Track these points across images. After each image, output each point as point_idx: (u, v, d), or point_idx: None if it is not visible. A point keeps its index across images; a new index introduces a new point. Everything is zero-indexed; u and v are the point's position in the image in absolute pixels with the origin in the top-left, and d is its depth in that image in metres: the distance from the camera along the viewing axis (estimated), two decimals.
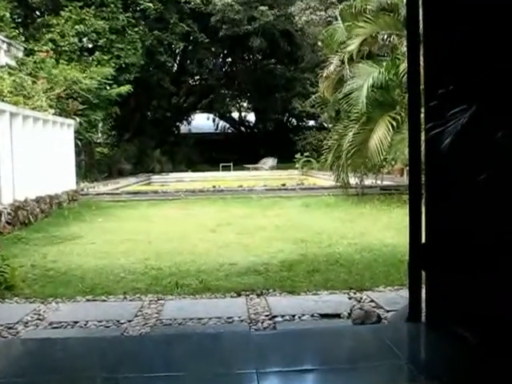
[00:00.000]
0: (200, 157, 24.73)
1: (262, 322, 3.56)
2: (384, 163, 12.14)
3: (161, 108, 24.91)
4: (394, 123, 10.01)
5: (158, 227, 8.09)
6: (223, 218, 8.90)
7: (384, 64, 10.64)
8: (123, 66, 17.65)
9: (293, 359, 2.62)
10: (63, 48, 16.54)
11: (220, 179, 19.63)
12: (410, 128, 3.14)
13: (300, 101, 24.34)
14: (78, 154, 13.05)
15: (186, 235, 7.21)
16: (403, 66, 9.60)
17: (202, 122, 32.40)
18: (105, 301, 4.17)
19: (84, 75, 14.61)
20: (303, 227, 7.66)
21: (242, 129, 32.59)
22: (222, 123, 34.10)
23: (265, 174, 21.68)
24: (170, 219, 9.05)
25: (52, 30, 16.83)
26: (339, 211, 9.43)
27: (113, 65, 16.91)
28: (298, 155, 21.43)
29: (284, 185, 15.79)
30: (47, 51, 15.00)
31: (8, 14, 14.07)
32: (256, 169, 23.00)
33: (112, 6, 17.97)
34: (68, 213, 9.61)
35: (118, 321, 3.65)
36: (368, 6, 11.42)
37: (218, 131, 33.53)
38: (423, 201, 3.06)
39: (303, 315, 3.65)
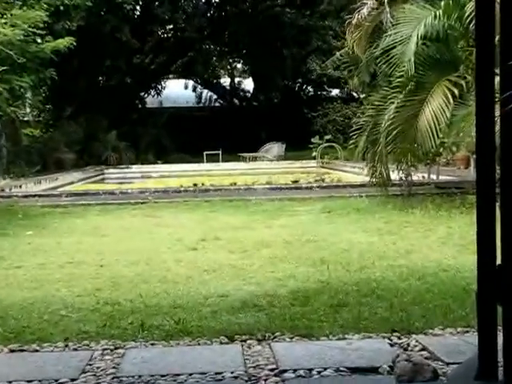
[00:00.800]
0: (175, 142, 24.83)
1: (266, 380, 3.57)
2: (441, 150, 12.20)
3: (117, 71, 25.02)
4: (456, 91, 10.05)
5: (114, 244, 8.16)
6: (209, 229, 8.92)
7: (442, 4, 10.69)
8: (61, 8, 17.51)
9: None
10: None
11: (204, 174, 19.71)
12: (479, 98, 3.13)
13: (319, 60, 24.48)
14: None
15: (154, 255, 7.25)
16: (470, 5, 9.57)
17: (177, 91, 32.47)
18: (37, 351, 4.14)
19: (2, 21, 14.35)
20: (323, 242, 7.74)
21: (236, 101, 32.72)
22: (206, 93, 34.22)
23: (268, 166, 21.84)
24: (131, 232, 9.12)
25: None
26: (375, 219, 9.45)
27: (46, 6, 16.72)
28: (315, 139, 21.57)
29: (296, 181, 15.87)
30: None
31: None
32: (256, 159, 23.13)
33: None
34: None
35: (57, 380, 3.62)
36: None
37: (200, 105, 33.67)
38: (498, 204, 3.05)
39: (325, 369, 3.65)
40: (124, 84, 25.48)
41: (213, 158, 23.08)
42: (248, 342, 4.18)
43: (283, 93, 28.83)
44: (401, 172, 11.71)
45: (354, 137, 12.04)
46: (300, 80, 29.24)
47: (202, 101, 33.11)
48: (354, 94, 24.14)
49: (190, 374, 3.62)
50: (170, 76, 31.65)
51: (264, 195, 12.64)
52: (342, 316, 4.66)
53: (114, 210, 11.49)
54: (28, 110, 17.73)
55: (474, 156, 11.21)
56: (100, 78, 26.28)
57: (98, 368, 3.79)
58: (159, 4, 25.04)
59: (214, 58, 31.02)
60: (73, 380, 3.63)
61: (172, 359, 3.89)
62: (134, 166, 21.86)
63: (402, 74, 10.58)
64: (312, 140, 21.54)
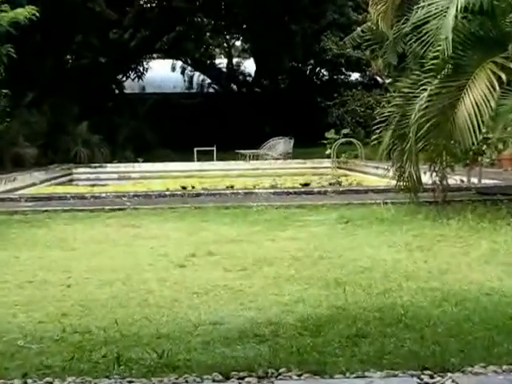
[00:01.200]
0: (159, 136, 24.85)
1: None
2: (484, 147, 12.19)
3: (90, 48, 25.08)
4: (503, 76, 10.01)
5: (84, 259, 8.19)
6: (200, 242, 8.98)
7: None
8: None
9: None
10: None
11: (195, 175, 19.74)
12: None
13: (335, 37, 24.51)
14: None
15: (134, 273, 7.28)
16: None
17: (163, 73, 32.48)
18: None
19: None
20: (339, 260, 7.79)
21: (234, 87, 32.73)
22: (198, 77, 34.24)
23: (273, 166, 21.88)
24: (105, 245, 9.15)
25: None
26: (403, 232, 9.43)
27: None
28: (330, 133, 21.57)
29: (307, 185, 15.91)
30: None
31: None
32: (257, 157, 23.14)
33: None
34: None
35: None
36: None
37: (191, 90, 33.69)
38: None
39: None
40: (98, 64, 25.55)
41: (205, 156, 23.08)
42: (247, 379, 4.16)
43: (291, 77, 28.89)
44: (434, 174, 11.70)
45: (378, 131, 12.04)
46: (312, 61, 29.24)
47: (193, 86, 33.17)
48: (378, 79, 24.21)
49: None
50: (154, 55, 31.75)
51: (267, 201, 12.68)
52: (362, 349, 4.65)
53: (84, 219, 11.53)
54: None
55: None
56: (68, 57, 26.37)
57: None
58: None
59: (208, 34, 31.12)
60: None
61: None
62: (110, 165, 21.86)
63: (436, 54, 10.56)
64: (326, 135, 21.49)
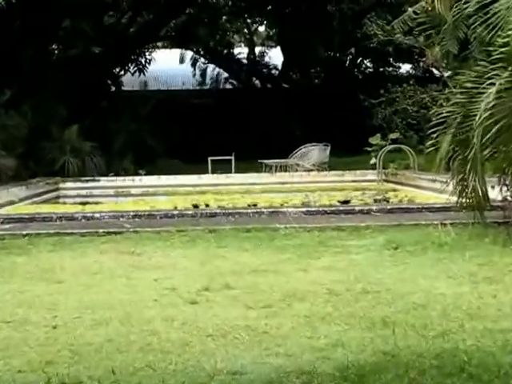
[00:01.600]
0: (165, 142, 24.87)
1: None
2: None
3: (80, 36, 25.19)
4: None
5: (73, 294, 8.19)
6: (215, 273, 9.02)
7: None
8: None
9: None
10: None
11: (209, 191, 19.70)
12: None
13: (381, 20, 24.48)
14: None
15: (134, 311, 7.29)
16: None
17: (169, 66, 32.52)
18: None
19: None
20: (387, 294, 7.80)
21: (256, 82, 32.72)
22: (212, 70, 34.18)
23: (305, 179, 21.79)
24: (100, 277, 9.17)
25: None
26: (466, 260, 9.44)
27: None
28: (375, 138, 21.53)
29: (347, 202, 15.87)
30: None
31: None
32: (286, 169, 23.10)
33: None
34: None
35: None
36: None
37: (203, 87, 33.68)
38: None
39: None
40: (90, 55, 25.63)
41: (222, 167, 22.99)
42: None
43: (327, 69, 28.90)
44: (505, 188, 11.68)
45: (434, 135, 12.00)
46: (353, 50, 29.26)
47: (207, 81, 33.17)
48: (435, 72, 24.14)
49: None
50: (159, 44, 31.90)
51: (298, 223, 12.64)
52: None
53: (73, 244, 11.55)
54: None
55: None
56: (54, 47, 26.52)
57: None
58: None
59: (225, 18, 31.19)
60: None
61: None
62: (105, 178, 21.83)
63: (506, 40, 10.57)
64: (370, 140, 21.42)
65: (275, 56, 32.19)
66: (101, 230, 12.34)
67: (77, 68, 24.35)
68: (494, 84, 10.62)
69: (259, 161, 23.22)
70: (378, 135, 21.77)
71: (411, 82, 25.00)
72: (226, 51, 32.44)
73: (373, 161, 21.31)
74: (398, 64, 28.29)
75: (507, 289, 7.85)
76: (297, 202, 16.11)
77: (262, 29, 33.82)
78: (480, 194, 11.14)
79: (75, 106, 23.01)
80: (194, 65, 32.88)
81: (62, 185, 21.30)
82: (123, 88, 29.41)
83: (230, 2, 30.11)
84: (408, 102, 23.50)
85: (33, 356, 5.86)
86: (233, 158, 23.21)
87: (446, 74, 18.14)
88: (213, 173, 22.84)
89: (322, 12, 25.98)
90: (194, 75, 33.07)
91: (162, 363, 5.60)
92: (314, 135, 23.96)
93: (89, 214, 14.17)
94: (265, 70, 32.15)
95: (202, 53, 32.50)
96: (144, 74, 30.05)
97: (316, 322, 6.73)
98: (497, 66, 10.80)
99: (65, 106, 22.94)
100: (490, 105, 10.43)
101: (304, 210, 14.21)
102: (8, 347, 6.13)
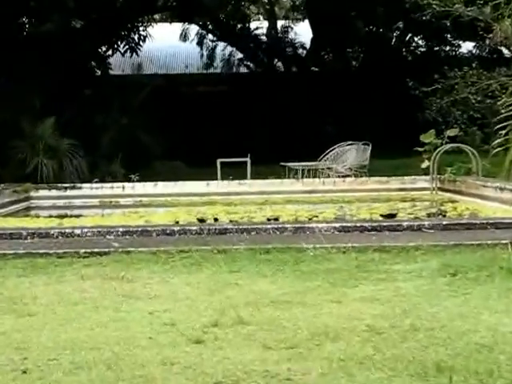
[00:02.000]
0: (164, 140, 24.83)
1: None
2: None
3: (58, 7, 25.26)
4: None
5: (48, 330, 8.14)
6: (226, 305, 8.97)
7: None
8: None
9: None
10: None
11: (219, 201, 19.71)
12: None
13: None
14: None
15: (124, 351, 7.25)
16: None
17: (169, 45, 32.51)
18: None
19: None
20: (443, 332, 7.71)
21: (279, 65, 32.69)
22: (223, 48, 34.19)
23: (339, 186, 21.74)
24: (81, 308, 9.11)
25: None
26: None
27: None
28: (428, 136, 21.49)
29: (392, 216, 15.85)
30: None
31: None
32: (316, 173, 23.05)
33: None
34: None
35: None
36: None
37: (212, 70, 33.65)
38: None
39: None
40: (69, 31, 25.67)
41: (234, 171, 22.98)
42: None
43: (368, 49, 28.90)
44: None
45: (503, 132, 11.98)
46: (400, 24, 29.26)
47: (216, 64, 33.21)
48: (504, 52, 24.10)
49: None
50: (156, 17, 31.98)
51: (330, 242, 12.56)
52: None
53: (48, 267, 11.49)
54: None
55: None
56: (24, 20, 26.61)
57: None
58: None
59: None
60: None
61: None
62: (87, 186, 21.78)
63: None
64: (422, 138, 21.36)
65: (302, 32, 32.19)
66: (82, 250, 12.32)
67: (53, 47, 24.38)
68: None
69: (282, 164, 23.23)
70: (432, 132, 21.71)
71: (474, 65, 24.99)
72: (240, 26, 32.51)
73: (425, 164, 21.24)
74: (457, 42, 28.28)
75: None
76: (329, 215, 16.04)
77: None
78: None
79: (51, 95, 23.05)
80: (199, 43, 32.96)
81: (33, 193, 21.30)
82: (111, 72, 29.45)
83: None
84: (470, 90, 23.45)
85: None
86: (248, 160, 23.21)
87: None
88: (223, 179, 22.83)
89: None
90: (202, 56, 33.14)
91: None
92: (350, 132, 23.94)
93: (68, 230, 13.96)
94: (289, 50, 32.19)
95: (209, 28, 32.57)
96: (137, 54, 30.10)
97: (353, 366, 6.63)
98: None
99: (38, 94, 23.03)
100: None
101: (338, 225, 14.02)
102: None
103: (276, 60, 32.35)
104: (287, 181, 22.61)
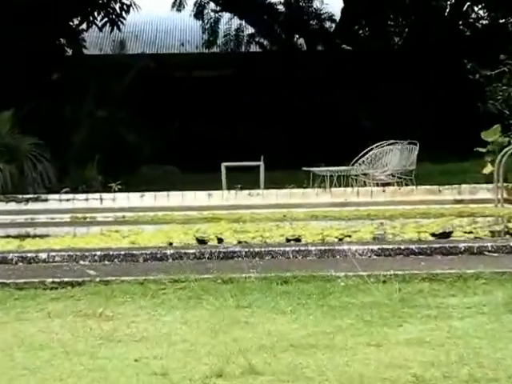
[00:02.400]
0: (154, 139, 25.01)
1: None
2: None
3: None
4: None
5: (5, 382, 8.23)
6: (233, 349, 8.96)
7: None
8: None
9: None
10: None
11: (223, 216, 19.74)
12: None
13: None
14: None
15: None
16: None
17: (159, 15, 32.86)
18: None
19: None
20: (509, 383, 7.74)
21: (300, 42, 33.02)
22: (228, 21, 34.61)
23: (378, 197, 21.79)
24: (47, 355, 9.21)
25: None
26: None
27: None
28: (491, 132, 21.59)
29: (445, 235, 15.89)
30: None
31: None
32: (348, 181, 23.04)
33: None
34: None
35: None
36: None
37: (214, 49, 34.03)
38: None
39: None
40: (33, 1, 25.90)
41: (243, 178, 23.12)
42: None
43: (415, 21, 28.95)
44: None
45: None
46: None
47: (220, 41, 33.55)
48: None
49: None
50: None
51: (367, 269, 12.66)
52: None
53: (6, 302, 11.85)
54: None
55: None
56: None
57: None
58: None
59: None
60: None
61: None
62: (55, 197, 22.04)
63: None
64: (484, 136, 21.46)
65: (331, 1, 32.48)
66: (49, 280, 12.58)
67: (12, 21, 24.61)
68: None
69: (304, 168, 23.27)
70: (497, 128, 21.72)
71: None
72: None
73: (488, 169, 21.22)
74: None
75: None
76: (365, 235, 15.91)
77: None
78: None
79: (8, 82, 23.20)
80: (199, 14, 33.19)
81: None
82: (86, 51, 29.77)
83: None
84: None
85: None
86: (261, 163, 23.28)
87: None
88: (229, 188, 22.86)
89: None
90: (204, 31, 33.39)
91: None
92: (391, 128, 24.05)
93: (30, 255, 14.10)
94: (313, 23, 32.46)
95: None
96: (119, 28, 30.42)
97: None
98: None
99: None
100: None
101: (376, 248, 14.10)
102: None
103: (297, 36, 32.59)
104: (311, 191, 22.66)
